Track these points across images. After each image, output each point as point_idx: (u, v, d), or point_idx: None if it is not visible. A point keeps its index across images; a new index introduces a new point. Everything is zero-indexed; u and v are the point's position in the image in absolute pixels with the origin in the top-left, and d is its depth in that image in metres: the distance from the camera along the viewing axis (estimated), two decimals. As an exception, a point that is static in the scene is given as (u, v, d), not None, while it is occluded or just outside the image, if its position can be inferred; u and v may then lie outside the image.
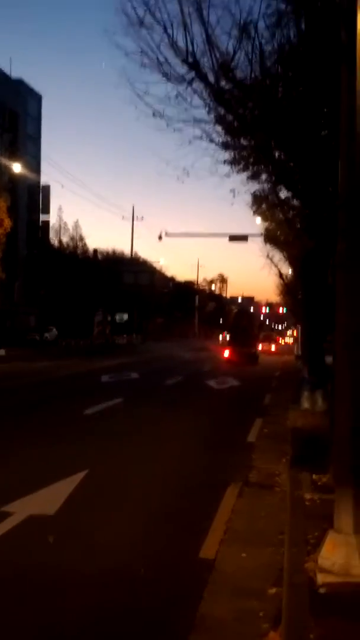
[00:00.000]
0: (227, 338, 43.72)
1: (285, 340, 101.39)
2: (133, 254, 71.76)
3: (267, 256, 32.02)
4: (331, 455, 7.04)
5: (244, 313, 56.10)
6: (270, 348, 61.74)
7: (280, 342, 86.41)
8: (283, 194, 12.76)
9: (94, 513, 6.51)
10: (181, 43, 8.35)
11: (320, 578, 4.53)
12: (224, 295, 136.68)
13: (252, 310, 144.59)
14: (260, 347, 45.13)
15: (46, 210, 46.53)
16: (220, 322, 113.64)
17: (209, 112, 9.28)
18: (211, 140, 9.64)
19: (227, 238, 33.37)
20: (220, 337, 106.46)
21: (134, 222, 66.32)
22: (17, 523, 5.94)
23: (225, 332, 41.94)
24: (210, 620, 4.16)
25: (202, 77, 8.58)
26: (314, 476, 7.72)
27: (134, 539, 5.78)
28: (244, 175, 10.86)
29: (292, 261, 24.79)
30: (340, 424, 4.97)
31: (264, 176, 11.40)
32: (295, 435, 11.18)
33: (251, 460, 9.43)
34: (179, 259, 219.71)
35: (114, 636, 3.95)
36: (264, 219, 15.66)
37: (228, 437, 11.70)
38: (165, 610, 4.32)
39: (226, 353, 37.56)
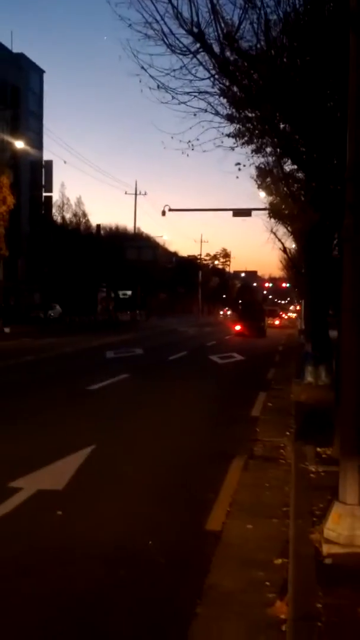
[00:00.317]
0: (238, 313, 47.94)
1: (289, 315, 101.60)
2: (136, 230, 71.53)
3: (271, 231, 31.85)
4: (335, 427, 7.10)
5: (247, 288, 62.58)
6: (274, 322, 62.87)
7: (283, 316, 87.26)
8: (288, 167, 12.62)
9: (101, 487, 6.57)
10: (186, 13, 8.19)
11: (326, 549, 4.59)
12: (228, 270, 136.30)
13: (254, 285, 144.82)
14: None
15: (49, 187, 46.17)
16: (224, 297, 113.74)
17: (213, 84, 9.14)
18: (216, 113, 9.51)
19: (231, 213, 33.06)
20: (221, 312, 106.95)
21: (137, 197, 66.06)
22: (26, 498, 6.00)
23: (227, 308, 44.86)
24: (217, 591, 4.23)
25: (207, 48, 8.44)
26: (318, 449, 7.78)
27: (140, 512, 5.85)
28: (248, 149, 10.73)
29: (296, 235, 24.65)
30: (346, 397, 4.98)
31: (268, 149, 11.25)
32: (299, 408, 11.24)
33: (256, 433, 9.49)
34: (183, 234, 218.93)
35: (121, 608, 4.01)
36: (269, 193, 15.51)
37: (232, 411, 11.77)
38: (173, 581, 4.38)
39: (237, 327, 42.19)
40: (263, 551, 4.91)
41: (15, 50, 56.61)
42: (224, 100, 9.39)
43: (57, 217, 63.02)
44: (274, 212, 16.18)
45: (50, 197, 48.82)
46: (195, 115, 9.31)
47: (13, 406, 11.55)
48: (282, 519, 5.61)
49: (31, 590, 4.20)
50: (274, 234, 32.24)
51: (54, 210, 59.07)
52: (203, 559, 4.75)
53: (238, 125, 9.80)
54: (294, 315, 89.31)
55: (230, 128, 9.90)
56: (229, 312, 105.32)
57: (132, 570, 4.54)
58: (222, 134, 9.88)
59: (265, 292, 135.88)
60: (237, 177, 16.17)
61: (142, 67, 8.78)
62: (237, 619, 3.85)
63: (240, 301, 52.53)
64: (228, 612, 3.93)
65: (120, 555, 4.81)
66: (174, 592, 4.21)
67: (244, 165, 10.64)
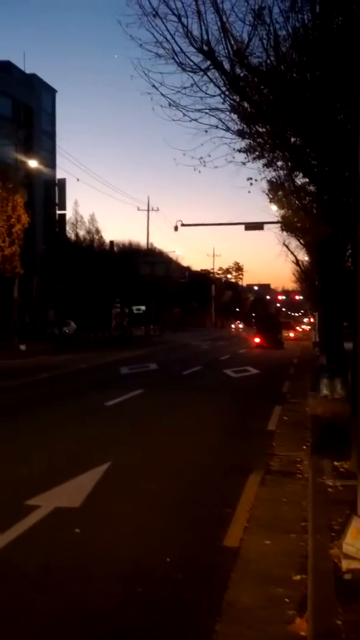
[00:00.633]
0: (257, 327, 51.71)
1: (303, 327, 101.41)
2: (149, 245, 71.82)
3: (284, 244, 31.84)
4: (352, 440, 7.04)
5: (261, 302, 67.31)
6: (289, 335, 63.54)
7: (297, 329, 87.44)
8: (299, 180, 12.68)
9: (118, 504, 6.56)
10: (196, 32, 8.31)
11: (345, 564, 4.53)
12: (240, 283, 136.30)
13: (267, 298, 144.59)
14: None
15: (62, 205, 46.48)
16: (237, 310, 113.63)
17: (224, 101, 9.25)
18: (227, 129, 9.60)
19: (243, 227, 33.11)
20: (233, 326, 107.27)
21: (150, 213, 66.42)
22: (44, 516, 6.01)
23: (238, 321, 47.22)
24: (236, 607, 4.19)
25: (217, 65, 8.54)
26: (335, 462, 7.71)
27: (157, 528, 5.83)
28: (259, 163, 10.79)
29: (309, 248, 24.64)
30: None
31: (280, 163, 11.32)
32: (316, 422, 11.16)
33: (272, 448, 9.44)
34: (195, 249, 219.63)
35: (140, 625, 3.99)
36: (280, 206, 15.52)
37: (248, 425, 11.71)
38: (192, 598, 4.35)
39: (257, 339, 45.34)
40: (282, 567, 4.87)
41: (27, 71, 57.46)
42: (235, 116, 9.48)
43: (71, 234, 63.58)
44: (286, 225, 16.20)
45: (64, 215, 49.13)
46: (206, 131, 9.41)
47: (30, 423, 11.58)
48: (301, 534, 5.56)
49: (50, 607, 4.20)
50: (287, 246, 32.25)
51: (67, 228, 59.53)
52: (221, 575, 4.71)
53: (249, 141, 9.87)
54: (308, 327, 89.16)
55: (242, 143, 9.99)
56: (240, 325, 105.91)
57: (150, 587, 4.51)
58: (234, 149, 9.96)
59: (278, 304, 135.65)
60: (249, 192, 16.24)
61: (154, 86, 8.91)
62: (257, 636, 3.81)
63: (254, 315, 61.55)
64: (247, 629, 3.89)
65: (138, 572, 4.79)
66: (192, 609, 4.18)
67: (256, 180, 10.71)
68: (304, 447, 9.31)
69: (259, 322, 53.49)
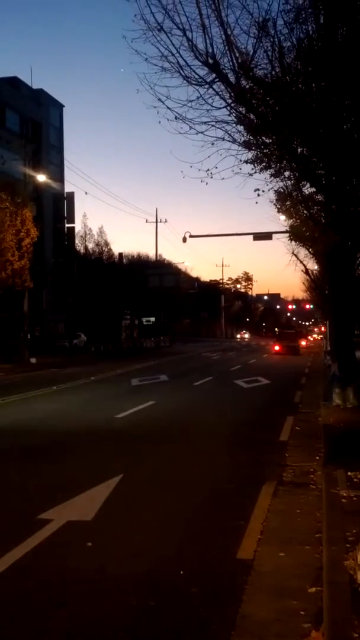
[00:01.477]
0: (276, 336, 59.68)
1: (313, 337, 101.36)
2: (158, 257, 72.04)
3: (293, 253, 31.88)
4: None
5: (270, 311, 75.53)
6: (301, 343, 64.48)
7: (309, 338, 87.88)
8: (307, 190, 12.69)
9: (130, 517, 6.55)
10: (201, 45, 8.37)
11: (361, 576, 4.48)
12: (250, 293, 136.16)
13: (278, 307, 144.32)
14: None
15: (71, 218, 46.78)
16: (247, 320, 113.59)
17: (230, 113, 9.29)
18: (233, 140, 9.64)
19: (252, 237, 33.17)
20: (239, 336, 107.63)
21: (158, 225, 66.68)
22: (56, 529, 6.00)
23: (244, 331, 49.92)
24: (251, 620, 4.16)
25: (222, 78, 8.59)
26: (349, 473, 7.66)
27: (171, 541, 5.80)
28: (266, 174, 10.82)
29: (318, 257, 24.62)
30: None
31: (287, 173, 11.36)
32: (328, 432, 11.09)
33: (284, 458, 9.39)
34: (204, 260, 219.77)
35: (155, 639, 3.96)
36: (289, 216, 15.54)
37: (260, 436, 11.66)
38: (206, 611, 4.33)
39: (276, 347, 51.27)
40: (296, 579, 4.83)
41: (34, 86, 58.09)
42: (241, 128, 9.53)
43: (80, 247, 63.96)
44: (295, 234, 16.19)
45: (72, 228, 49.41)
46: (213, 144, 9.45)
47: (41, 436, 11.58)
48: (315, 546, 5.52)
49: (66, 622, 4.19)
50: (296, 256, 32.32)
51: (76, 241, 59.89)
52: (235, 588, 4.68)
53: (256, 152, 9.91)
54: (319, 337, 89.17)
55: (248, 154, 10.03)
56: (246, 335, 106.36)
57: (164, 601, 4.49)
58: (240, 160, 10.00)
59: (289, 314, 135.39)
60: (257, 203, 16.34)
61: (159, 99, 8.96)
62: (273, 650, 3.77)
63: (264, 325, 69.84)
64: (263, 643, 3.86)
65: (151, 585, 4.77)
66: (206, 623, 4.15)
67: (263, 191, 10.74)
68: (317, 457, 9.26)
69: (279, 332, 62.33)
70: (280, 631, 4.00)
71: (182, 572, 5.00)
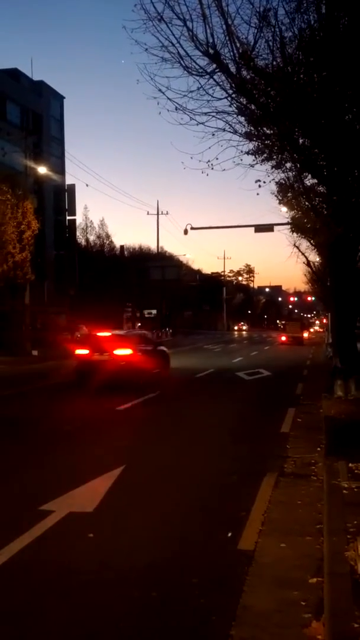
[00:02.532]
0: (283, 327, 64.55)
1: (315, 329, 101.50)
2: (159, 249, 71.93)
3: (294, 245, 31.82)
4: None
5: (272, 304, 76.35)
6: (302, 335, 65.59)
7: (311, 330, 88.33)
8: (308, 181, 12.64)
9: (132, 508, 6.56)
10: (201, 35, 8.33)
11: (362, 567, 4.49)
12: (252, 285, 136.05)
13: (279, 299, 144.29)
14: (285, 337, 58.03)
15: (72, 210, 46.73)
16: (249, 312, 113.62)
17: (231, 103, 9.26)
18: (234, 131, 9.61)
19: (253, 229, 33.09)
20: (236, 327, 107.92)
21: (159, 217, 66.53)
22: (58, 520, 6.02)
23: (242, 323, 50.79)
24: (251, 611, 4.17)
25: (223, 68, 8.55)
26: (350, 464, 7.66)
27: (172, 532, 5.82)
28: (268, 165, 10.79)
29: (320, 248, 24.57)
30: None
31: (288, 164, 11.32)
32: (330, 423, 11.09)
33: (286, 450, 9.40)
34: (206, 252, 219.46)
35: (157, 629, 3.98)
36: (290, 207, 15.51)
37: (262, 428, 11.68)
38: (207, 602, 4.34)
39: (283, 338, 56.90)
40: (297, 570, 4.84)
41: (35, 77, 57.82)
42: (242, 119, 9.49)
43: (81, 239, 63.82)
44: (296, 226, 16.17)
45: (73, 220, 49.37)
46: (213, 134, 9.42)
47: (42, 428, 11.62)
48: (316, 537, 5.53)
49: (69, 613, 4.20)
50: (297, 247, 32.28)
51: (78, 233, 59.80)
52: (236, 579, 4.70)
53: (257, 143, 9.88)
54: (321, 329, 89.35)
55: (249, 145, 10.00)
56: (244, 327, 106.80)
57: (166, 592, 4.51)
58: (241, 151, 9.97)
59: (290, 306, 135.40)
60: (258, 194, 16.29)
61: (160, 90, 8.92)
62: (273, 640, 3.79)
63: (265, 317, 70.66)
64: (263, 633, 3.87)
65: (153, 576, 4.79)
66: (207, 613, 4.17)
67: (264, 182, 10.70)
68: (319, 449, 9.27)
69: (285, 323, 67.23)
70: (281, 621, 4.02)
71: (183, 563, 5.01)
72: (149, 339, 22.50)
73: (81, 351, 18.26)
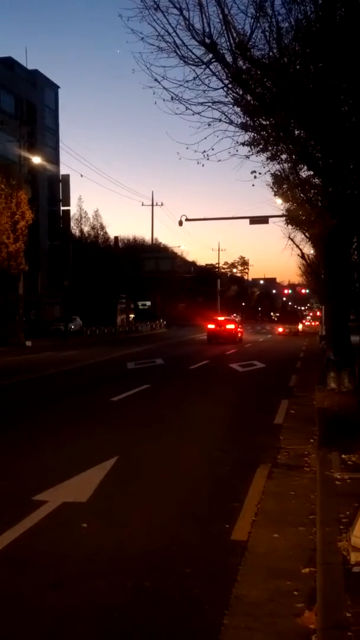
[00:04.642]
0: (280, 319, 69.78)
1: (309, 322, 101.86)
2: (154, 240, 71.84)
3: (289, 237, 31.81)
4: (361, 434, 7.03)
5: (266, 296, 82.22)
6: (297, 327, 66.50)
7: (305, 323, 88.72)
8: (304, 173, 12.62)
9: (125, 499, 6.57)
10: (197, 25, 8.28)
11: (354, 557, 4.52)
12: (246, 277, 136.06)
13: (274, 292, 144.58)
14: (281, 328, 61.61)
15: (66, 201, 46.64)
16: (243, 304, 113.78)
17: (227, 94, 9.21)
18: (230, 122, 9.57)
19: (248, 221, 33.02)
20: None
21: (154, 208, 66.39)
22: (51, 511, 6.02)
23: (235, 315, 53.52)
24: (244, 601, 4.19)
25: (219, 58, 8.50)
26: (343, 455, 7.71)
27: (165, 523, 5.83)
28: (263, 157, 10.75)
29: (314, 241, 24.57)
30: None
31: (284, 156, 11.27)
32: (323, 415, 11.15)
33: (279, 441, 9.43)
34: (200, 243, 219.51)
35: (150, 619, 4.00)
36: (285, 199, 15.47)
37: (255, 419, 11.71)
38: (200, 592, 4.36)
39: (280, 329, 60.41)
40: (290, 560, 4.87)
41: (29, 67, 57.42)
42: (238, 109, 9.44)
43: (75, 230, 63.68)
44: (291, 218, 16.14)
45: (68, 211, 49.31)
46: (209, 125, 9.38)
47: (37, 419, 11.62)
48: (309, 527, 5.56)
49: (61, 602, 4.21)
50: (292, 240, 32.27)
51: (72, 224, 59.67)
52: (230, 569, 4.72)
53: (252, 134, 9.83)
54: (315, 323, 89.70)
55: (245, 136, 9.95)
56: (237, 319, 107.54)
57: (159, 582, 4.52)
58: (237, 142, 9.93)
59: (284, 298, 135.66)
60: (253, 185, 16.22)
61: (156, 80, 8.87)
62: (266, 629, 3.81)
63: (260, 308, 75.91)
64: (256, 622, 3.89)
65: (146, 566, 4.80)
66: (200, 603, 4.19)
67: (260, 173, 10.67)
68: (312, 440, 9.31)
69: (282, 316, 72.42)
70: (274, 611, 4.04)
71: (176, 553, 5.03)
72: (237, 321, 47.63)
73: (210, 325, 41.55)
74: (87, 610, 4.11)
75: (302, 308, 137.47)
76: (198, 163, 9.94)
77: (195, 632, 3.84)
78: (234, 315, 52.46)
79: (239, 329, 42.02)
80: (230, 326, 40.83)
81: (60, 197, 46.55)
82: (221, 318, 44.78)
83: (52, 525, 5.69)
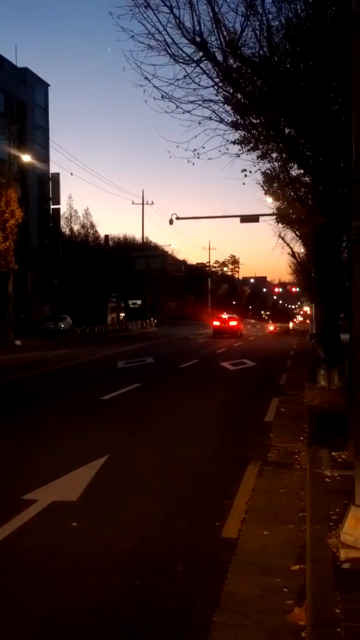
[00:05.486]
0: (271, 318, 69.05)
1: (299, 319, 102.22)
2: (144, 239, 71.77)
3: (279, 236, 31.84)
4: (350, 430, 7.05)
5: (257, 295, 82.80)
6: (288, 326, 67.03)
7: (295, 321, 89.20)
8: (294, 171, 12.64)
9: (115, 497, 6.57)
10: (188, 23, 8.26)
11: (343, 553, 4.55)
12: (237, 276, 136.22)
13: (264, 290, 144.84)
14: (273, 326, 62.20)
15: (56, 199, 46.33)
16: (234, 303, 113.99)
17: (217, 92, 9.20)
18: (221, 120, 9.56)
19: (238, 219, 33.03)
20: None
21: (144, 206, 66.31)
22: (41, 510, 6.01)
23: (225, 313, 55.67)
24: (235, 598, 4.20)
25: (210, 56, 8.49)
26: (333, 453, 7.74)
27: (156, 521, 5.83)
28: (254, 155, 10.74)
29: (304, 239, 24.60)
30: (359, 399, 4.95)
31: (274, 155, 11.27)
32: (313, 413, 11.19)
33: (269, 439, 9.46)
34: (191, 242, 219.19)
35: (140, 616, 3.99)
36: (276, 198, 15.50)
37: (245, 417, 11.73)
38: (190, 589, 4.36)
39: (271, 327, 61.10)
40: (280, 557, 4.88)
41: (19, 64, 57.14)
42: (228, 108, 9.44)
43: (65, 229, 63.52)
44: (282, 217, 16.17)
45: (58, 210, 48.96)
46: (200, 123, 9.37)
47: (27, 418, 11.58)
48: (299, 525, 5.58)
49: (51, 600, 4.20)
50: (282, 238, 32.23)
51: (62, 223, 59.48)
52: (220, 566, 4.72)
53: (243, 132, 9.83)
54: (306, 321, 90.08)
55: (235, 135, 9.95)
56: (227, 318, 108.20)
57: (149, 579, 4.52)
58: (227, 141, 9.92)
59: (275, 297, 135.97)
60: (244, 184, 16.23)
61: (146, 78, 8.85)
62: (256, 626, 3.82)
63: (250, 307, 77.02)
64: (246, 619, 3.90)
65: (137, 564, 4.80)
66: (191, 601, 4.19)
67: (250, 172, 10.66)
68: (302, 438, 9.34)
69: (273, 314, 72.31)
70: (264, 608, 4.05)
71: (167, 551, 5.03)
72: (239, 318, 52.32)
73: (215, 322, 48.47)
74: (77, 608, 4.10)
75: (293, 306, 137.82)
76: (188, 162, 9.94)
77: (185, 629, 3.85)
78: (224, 313, 53.54)
79: (240, 326, 50.34)
80: (233, 323, 47.94)
81: (50, 196, 46.26)
82: (225, 316, 50.43)
83: (42, 524, 5.67)
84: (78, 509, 6.09)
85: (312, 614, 3.75)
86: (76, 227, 68.24)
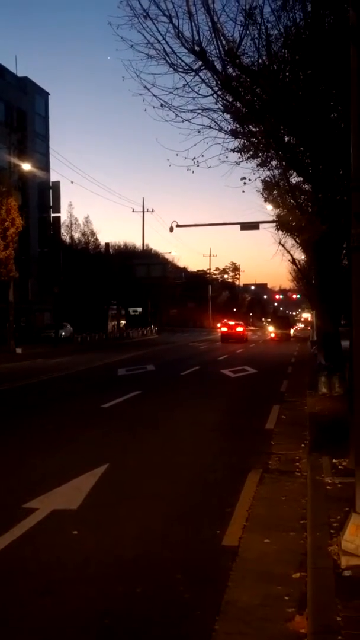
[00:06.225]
0: (273, 324, 69.54)
1: (300, 326, 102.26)
2: (145, 247, 71.87)
3: (280, 243, 31.92)
4: (350, 438, 7.05)
5: (257, 302, 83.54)
6: (289, 332, 67.30)
7: (296, 328, 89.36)
8: (294, 179, 12.68)
9: (116, 506, 6.55)
10: (187, 32, 8.32)
11: (344, 561, 4.54)
12: (237, 283, 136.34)
13: (265, 297, 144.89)
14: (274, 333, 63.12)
15: (57, 208, 46.42)
16: (234, 310, 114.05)
17: (217, 101, 9.26)
18: (220, 129, 9.61)
19: (239, 227, 33.06)
20: (219, 324, 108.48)
21: (145, 214, 66.44)
22: (42, 518, 5.99)
23: (225, 321, 57.52)
24: (235, 606, 4.19)
25: (209, 65, 8.54)
26: (334, 460, 7.73)
27: (156, 529, 5.82)
28: (253, 163, 10.79)
29: (305, 246, 24.65)
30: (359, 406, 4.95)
31: (274, 162, 11.34)
32: (314, 420, 11.17)
33: (270, 446, 9.45)
34: (191, 249, 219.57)
35: (141, 624, 3.98)
36: (275, 205, 15.54)
37: (246, 425, 11.71)
38: (191, 597, 4.35)
39: (272, 334, 62.05)
40: (281, 565, 4.87)
41: (19, 74, 57.46)
42: (228, 116, 9.49)
43: (65, 237, 63.61)
44: (282, 224, 16.20)
45: (58, 218, 49.06)
46: (199, 132, 9.42)
47: (27, 426, 11.57)
48: (300, 532, 5.57)
49: (52, 609, 4.19)
50: (283, 245, 32.34)
51: (62, 230, 59.58)
52: (221, 574, 4.71)
53: (242, 140, 9.89)
54: (308, 327, 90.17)
55: (235, 143, 10.00)
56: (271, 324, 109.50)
57: (150, 587, 4.51)
58: (227, 149, 9.98)
59: (275, 304, 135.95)
60: (243, 192, 16.29)
61: (145, 87, 8.90)
62: (257, 634, 3.81)
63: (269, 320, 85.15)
64: (247, 627, 3.89)
65: (137, 572, 4.79)
66: (192, 609, 4.18)
67: (250, 180, 10.71)
68: (303, 445, 9.32)
69: (274, 321, 72.92)
70: (265, 616, 4.04)
71: (168, 559, 5.02)
72: (244, 324, 56.87)
73: (223, 328, 53.23)
74: (78, 616, 4.09)
75: (294, 313, 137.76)
76: (188, 170, 9.99)
77: (186, 637, 3.83)
78: (231, 320, 55.26)
79: (246, 331, 54.15)
80: (240, 329, 52.28)
81: (51, 204, 46.36)
82: (232, 322, 54.73)
83: (43, 532, 5.66)
84: (78, 517, 6.08)
85: (313, 622, 3.74)
86: (77, 235, 68.40)
